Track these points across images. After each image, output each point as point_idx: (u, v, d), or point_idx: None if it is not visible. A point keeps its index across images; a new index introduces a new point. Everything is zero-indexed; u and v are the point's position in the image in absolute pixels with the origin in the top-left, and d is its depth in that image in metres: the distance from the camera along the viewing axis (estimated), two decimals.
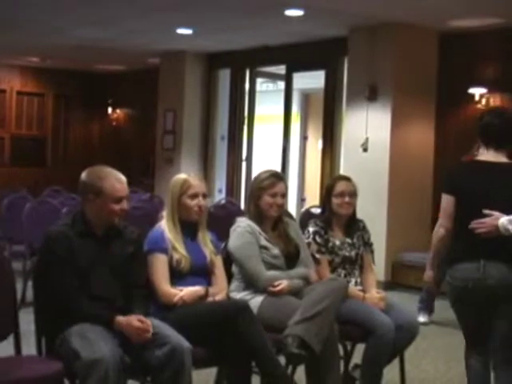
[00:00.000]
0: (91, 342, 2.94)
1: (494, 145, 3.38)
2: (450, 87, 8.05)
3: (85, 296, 3.13)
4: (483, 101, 7.77)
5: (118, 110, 12.96)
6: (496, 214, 3.17)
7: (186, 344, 3.08)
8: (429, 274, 3.57)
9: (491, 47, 7.77)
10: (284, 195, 3.89)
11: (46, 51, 10.92)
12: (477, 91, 7.79)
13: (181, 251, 3.52)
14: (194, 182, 3.63)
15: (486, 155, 3.39)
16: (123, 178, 3.29)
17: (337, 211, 4.10)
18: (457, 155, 7.72)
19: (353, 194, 4.12)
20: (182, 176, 3.69)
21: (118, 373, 2.90)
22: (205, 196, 3.64)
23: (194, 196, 3.60)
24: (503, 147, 3.39)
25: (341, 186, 4.10)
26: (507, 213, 3.21)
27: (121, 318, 3.09)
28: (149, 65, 11.43)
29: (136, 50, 10.40)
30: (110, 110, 13.00)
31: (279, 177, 3.94)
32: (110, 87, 12.85)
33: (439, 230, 3.45)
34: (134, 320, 3.07)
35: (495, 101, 7.73)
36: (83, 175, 3.27)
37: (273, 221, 3.89)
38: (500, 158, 3.37)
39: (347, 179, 4.20)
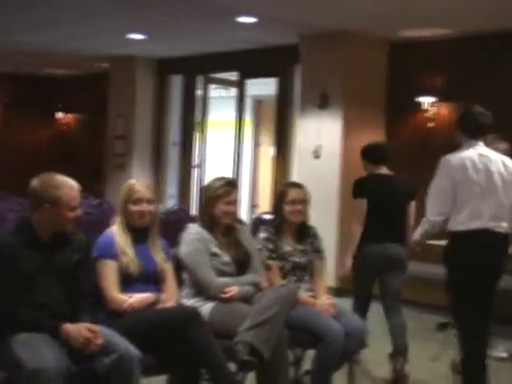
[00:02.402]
0: (36, 351, 2.88)
1: (383, 163, 4.98)
2: (400, 96, 8.17)
3: (28, 305, 3.06)
4: (432, 110, 7.91)
5: (67, 115, 12.79)
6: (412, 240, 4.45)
7: (134, 351, 3.05)
8: (348, 263, 4.89)
9: (440, 57, 7.91)
10: (237, 202, 3.90)
11: None
12: (426, 100, 7.92)
13: (129, 255, 3.50)
14: (138, 187, 3.62)
15: (380, 170, 4.97)
16: (76, 184, 3.26)
17: (288, 218, 4.11)
18: (406, 163, 7.86)
19: (304, 202, 4.14)
20: (130, 182, 3.68)
21: (63, 382, 2.84)
22: (150, 202, 3.61)
23: (138, 201, 3.58)
24: (387, 164, 4.99)
25: (293, 194, 4.12)
26: (397, 207, 4.90)
27: (69, 326, 3.03)
28: (99, 69, 11.31)
29: (86, 54, 10.29)
30: (59, 114, 12.82)
31: (234, 185, 3.96)
32: (60, 92, 12.67)
33: (357, 227, 4.85)
34: (83, 329, 3.02)
35: (443, 109, 7.87)
36: (35, 184, 3.19)
37: (224, 227, 3.89)
38: (386, 170, 4.99)
39: (299, 186, 4.22)
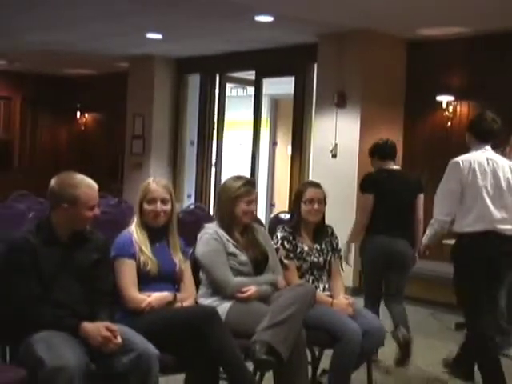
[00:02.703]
0: (56, 349, 2.89)
1: (390, 159, 5.20)
2: (418, 95, 8.13)
3: (49, 304, 3.07)
4: (450, 108, 7.86)
5: (86, 115, 12.86)
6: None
7: (152, 350, 3.05)
8: (350, 252, 5.13)
9: (458, 55, 7.86)
10: (256, 202, 3.91)
11: (14, 54, 10.80)
12: (444, 99, 7.87)
13: (147, 253, 3.50)
14: (153, 186, 3.62)
15: (387, 165, 5.18)
16: (94, 184, 3.28)
17: (305, 217, 4.11)
18: (424, 161, 7.83)
19: (321, 201, 4.13)
20: (147, 181, 3.69)
21: (83, 381, 2.86)
22: (164, 201, 3.61)
23: (152, 201, 3.59)
24: (393, 159, 5.22)
25: (310, 193, 4.12)
26: (406, 200, 5.05)
27: (88, 325, 3.05)
28: (118, 69, 11.36)
29: (105, 54, 10.34)
30: (78, 114, 12.90)
31: (253, 184, 3.98)
32: (79, 91, 12.74)
33: (362, 220, 5.09)
34: (102, 328, 3.03)
35: (462, 108, 7.82)
36: (54, 183, 3.22)
37: (242, 227, 3.89)
38: (393, 165, 5.23)
39: (317, 186, 4.21)
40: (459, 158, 4.26)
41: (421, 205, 5.14)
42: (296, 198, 4.18)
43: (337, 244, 4.23)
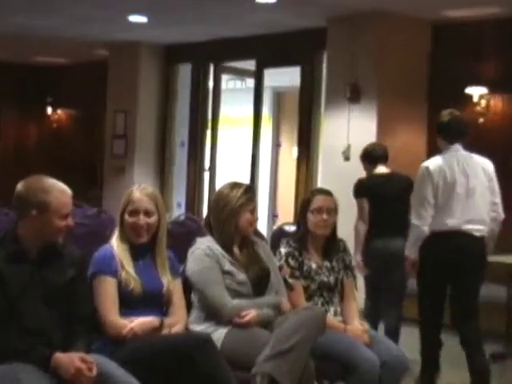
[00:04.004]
0: None
1: (380, 163, 5.96)
2: (444, 86, 8.14)
3: (15, 329, 3.07)
4: (483, 102, 7.86)
5: (59, 110, 12.90)
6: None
7: None
8: (358, 259, 5.68)
9: (492, 40, 7.88)
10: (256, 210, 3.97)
11: None
12: (475, 91, 7.88)
13: (128, 270, 3.51)
14: (135, 196, 3.62)
15: (378, 169, 5.96)
16: (68, 189, 3.29)
17: (313, 230, 4.12)
18: None
19: (332, 211, 4.14)
20: (131, 189, 3.69)
21: None
22: (148, 213, 3.60)
23: (134, 213, 3.59)
24: (383, 162, 5.98)
25: (318, 201, 4.13)
26: (398, 201, 5.69)
27: (60, 355, 3.04)
28: (96, 57, 11.40)
29: (81, 39, 10.36)
30: (49, 109, 12.93)
31: (253, 190, 4.02)
32: (50, 83, 12.78)
33: (362, 225, 5.77)
34: (76, 359, 3.03)
35: (496, 102, 7.83)
36: (21, 188, 3.23)
37: (240, 241, 3.90)
38: (384, 169, 5.98)
39: (326, 193, 4.23)
40: (429, 163, 4.96)
41: None
42: (302, 208, 4.19)
43: (350, 261, 4.25)
